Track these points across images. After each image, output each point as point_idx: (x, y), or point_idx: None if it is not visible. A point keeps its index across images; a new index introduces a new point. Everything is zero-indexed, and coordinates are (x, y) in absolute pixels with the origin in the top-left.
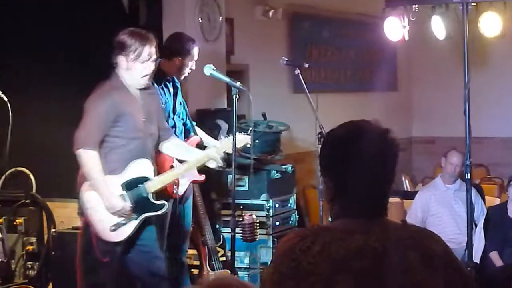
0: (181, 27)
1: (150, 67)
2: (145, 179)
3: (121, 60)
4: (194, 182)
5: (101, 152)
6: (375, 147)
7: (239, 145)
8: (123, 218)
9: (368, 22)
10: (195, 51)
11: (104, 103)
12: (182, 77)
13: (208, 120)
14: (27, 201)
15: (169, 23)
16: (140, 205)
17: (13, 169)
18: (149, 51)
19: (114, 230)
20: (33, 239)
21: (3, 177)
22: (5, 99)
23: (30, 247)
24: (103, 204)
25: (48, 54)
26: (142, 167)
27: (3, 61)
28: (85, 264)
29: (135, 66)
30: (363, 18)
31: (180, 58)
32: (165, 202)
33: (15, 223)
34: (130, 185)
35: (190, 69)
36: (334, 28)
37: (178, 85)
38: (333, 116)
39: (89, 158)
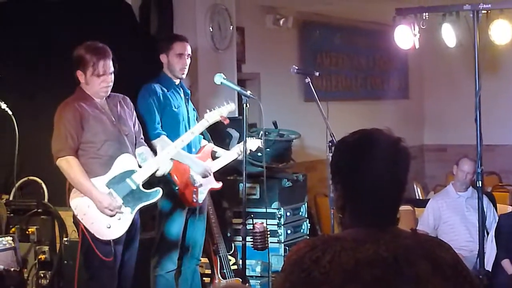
0: (192, 36)
1: (108, 80)
2: (131, 172)
3: (80, 75)
4: (212, 189)
5: (84, 160)
6: (387, 156)
7: (252, 148)
8: (117, 214)
9: (378, 30)
10: (178, 45)
11: (69, 111)
12: (181, 75)
13: (219, 129)
14: (39, 210)
15: (180, 32)
16: (132, 197)
17: (25, 178)
18: (103, 64)
19: (110, 227)
20: (46, 248)
21: (15, 186)
22: (9, 112)
23: (42, 256)
24: (93, 205)
25: (58, 63)
26: (125, 162)
27: (12, 70)
28: (87, 271)
29: (92, 81)
30: (374, 26)
31: (164, 55)
32: (158, 189)
33: (27, 232)
34: (117, 181)
35: (183, 67)
36: (344, 36)
37: (188, 92)
38: (344, 124)
39: (69, 165)
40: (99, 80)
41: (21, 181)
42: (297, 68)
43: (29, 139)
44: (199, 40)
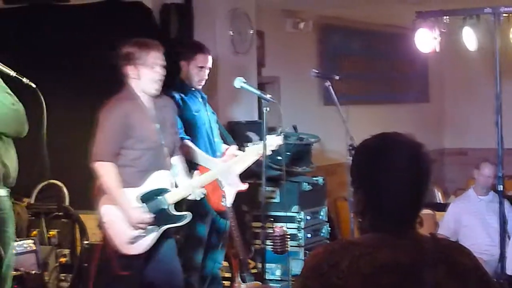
0: (212, 40)
1: (159, 71)
2: (164, 190)
3: (130, 69)
4: (239, 191)
5: (118, 165)
6: (408, 161)
7: (272, 147)
8: (143, 230)
9: (398, 34)
10: (200, 57)
11: (115, 114)
12: (198, 86)
13: (239, 133)
14: (60, 214)
15: (200, 36)
16: (160, 217)
17: (46, 182)
18: (155, 56)
19: (133, 242)
20: (66, 251)
21: (36, 189)
22: (33, 85)
23: (63, 259)
24: (122, 216)
25: (78, 67)
26: (160, 179)
27: (33, 74)
28: (103, 280)
29: (144, 72)
30: (393, 30)
31: (185, 63)
32: (187, 213)
33: (48, 235)
34: (149, 197)
35: (201, 79)
36: (364, 39)
37: (205, 96)
38: (364, 128)
39: (106, 171)
40: (152, 71)
41: (42, 184)
42: (316, 71)
43: (48, 142)
44: (219, 44)
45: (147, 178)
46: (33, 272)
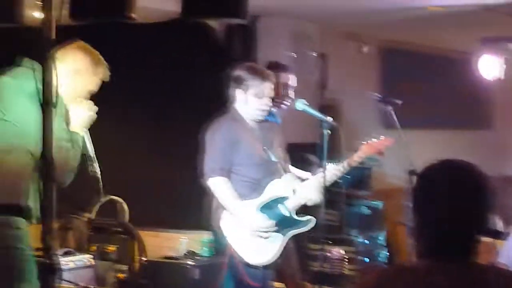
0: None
1: (267, 103)
2: (284, 198)
3: (239, 93)
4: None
5: (231, 180)
6: (466, 188)
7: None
8: (267, 238)
9: (462, 59)
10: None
11: (221, 131)
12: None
13: (298, 155)
14: (119, 230)
15: (263, 57)
16: (283, 224)
17: (107, 198)
18: (268, 86)
19: (260, 253)
20: (124, 267)
21: (97, 205)
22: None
23: (121, 275)
24: (244, 228)
25: (140, 85)
26: (278, 188)
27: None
28: None
29: (253, 101)
30: (458, 55)
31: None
32: (311, 217)
33: (107, 250)
34: (269, 206)
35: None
36: (427, 64)
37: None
38: (425, 153)
39: (220, 186)
40: (260, 101)
41: (103, 200)
42: (378, 95)
43: (111, 159)
44: None
45: (265, 189)
46: (91, 287)
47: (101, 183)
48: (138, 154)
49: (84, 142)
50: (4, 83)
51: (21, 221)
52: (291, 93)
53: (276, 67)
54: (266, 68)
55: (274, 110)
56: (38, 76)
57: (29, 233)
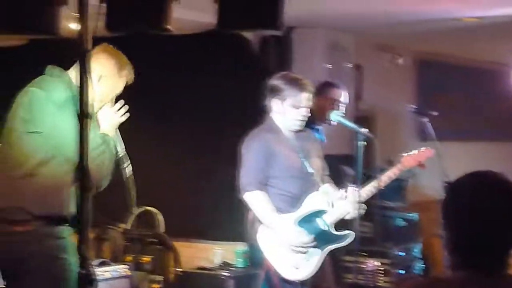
0: (309, 73)
1: (304, 113)
2: (321, 212)
3: (276, 104)
4: None
5: (269, 193)
6: (500, 200)
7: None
8: (305, 253)
9: (498, 70)
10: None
11: (257, 144)
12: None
13: (333, 166)
14: (155, 240)
15: (298, 68)
16: (322, 238)
17: (142, 208)
18: (306, 97)
19: (298, 267)
20: (159, 278)
21: (133, 216)
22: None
23: (156, 286)
24: (282, 242)
25: (176, 97)
26: (315, 201)
27: (129, 102)
28: None
29: (290, 111)
30: (493, 66)
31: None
32: (350, 232)
33: (142, 261)
34: (307, 220)
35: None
36: (462, 75)
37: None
38: (460, 165)
39: (256, 200)
40: (297, 111)
41: (138, 211)
42: (414, 107)
43: (145, 170)
44: (316, 76)
45: (302, 202)
46: None
47: (135, 187)
48: (174, 164)
49: (115, 143)
50: (34, 95)
51: (64, 231)
52: (342, 109)
53: (327, 84)
54: (319, 87)
55: (320, 127)
56: (67, 84)
57: (73, 243)
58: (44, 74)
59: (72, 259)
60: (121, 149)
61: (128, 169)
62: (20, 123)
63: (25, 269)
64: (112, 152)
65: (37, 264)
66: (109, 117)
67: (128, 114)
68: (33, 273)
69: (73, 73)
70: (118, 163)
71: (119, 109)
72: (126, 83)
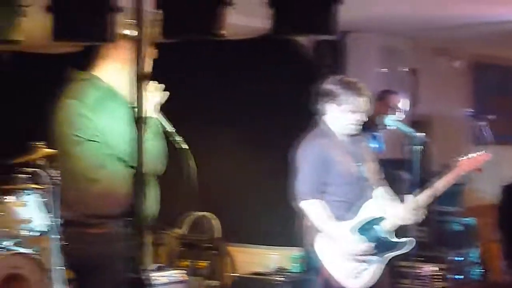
0: (364, 77)
1: (360, 118)
2: (380, 219)
3: (331, 108)
4: None
5: (325, 200)
6: None
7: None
8: (364, 262)
9: None
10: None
11: (312, 151)
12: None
13: (389, 171)
14: (210, 245)
15: (353, 72)
16: (381, 246)
17: (198, 214)
18: (364, 101)
19: (357, 276)
20: (215, 283)
21: (188, 221)
22: (184, 146)
23: None
24: (340, 251)
25: (231, 98)
26: (373, 208)
27: (185, 105)
28: None
29: (345, 116)
30: None
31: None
32: (408, 239)
33: (198, 266)
34: (365, 227)
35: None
36: None
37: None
38: None
39: (313, 209)
40: (352, 116)
41: (194, 216)
42: (471, 111)
43: (201, 174)
44: (372, 80)
45: (359, 210)
46: None
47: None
48: (230, 170)
49: (160, 123)
50: (69, 107)
51: (131, 232)
52: (399, 116)
53: (387, 91)
54: (379, 93)
55: (378, 133)
56: (94, 84)
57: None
58: (70, 80)
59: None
60: (168, 126)
61: (180, 142)
62: (67, 137)
63: (98, 270)
64: (158, 134)
65: (110, 264)
66: (150, 99)
67: (167, 93)
68: (106, 273)
69: (103, 66)
70: (168, 139)
71: (157, 88)
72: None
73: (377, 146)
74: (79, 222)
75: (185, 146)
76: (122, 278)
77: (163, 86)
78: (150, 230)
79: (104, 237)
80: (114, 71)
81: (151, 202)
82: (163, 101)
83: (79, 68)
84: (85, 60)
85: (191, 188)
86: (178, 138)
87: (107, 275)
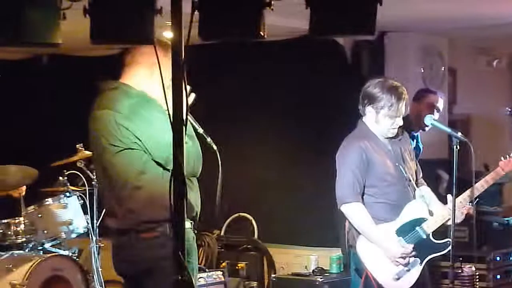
0: (403, 77)
1: (399, 122)
2: (421, 220)
3: (370, 111)
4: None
5: (366, 202)
6: None
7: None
8: (406, 264)
9: None
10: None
11: (353, 153)
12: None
13: (428, 171)
14: (249, 246)
15: (391, 73)
16: (422, 248)
17: (236, 215)
18: (401, 106)
19: (399, 278)
20: (254, 284)
21: (226, 222)
22: (215, 147)
23: None
24: (382, 253)
25: (269, 102)
26: (414, 210)
27: (216, 106)
28: None
29: (385, 121)
30: None
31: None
32: (448, 240)
33: (237, 267)
34: (407, 229)
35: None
36: None
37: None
38: None
39: (355, 212)
40: (392, 121)
41: (232, 217)
42: (510, 110)
43: (239, 176)
44: (410, 80)
45: (401, 211)
46: None
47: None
48: (268, 171)
49: (193, 125)
50: (103, 118)
51: (189, 234)
52: (437, 115)
53: (425, 90)
54: (417, 93)
55: (417, 134)
56: (124, 92)
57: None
58: (101, 90)
59: (195, 263)
60: (198, 127)
61: (210, 142)
62: (106, 148)
63: (150, 274)
64: (192, 136)
65: (162, 268)
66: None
67: (193, 94)
68: (158, 277)
69: (132, 73)
70: (202, 141)
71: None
72: None
73: (416, 146)
74: (130, 230)
75: (215, 147)
76: (172, 281)
77: (190, 88)
78: (195, 232)
79: (155, 241)
80: (145, 76)
81: (192, 204)
82: (192, 103)
83: (108, 77)
84: (115, 68)
85: (223, 189)
86: (209, 140)
87: (158, 278)
